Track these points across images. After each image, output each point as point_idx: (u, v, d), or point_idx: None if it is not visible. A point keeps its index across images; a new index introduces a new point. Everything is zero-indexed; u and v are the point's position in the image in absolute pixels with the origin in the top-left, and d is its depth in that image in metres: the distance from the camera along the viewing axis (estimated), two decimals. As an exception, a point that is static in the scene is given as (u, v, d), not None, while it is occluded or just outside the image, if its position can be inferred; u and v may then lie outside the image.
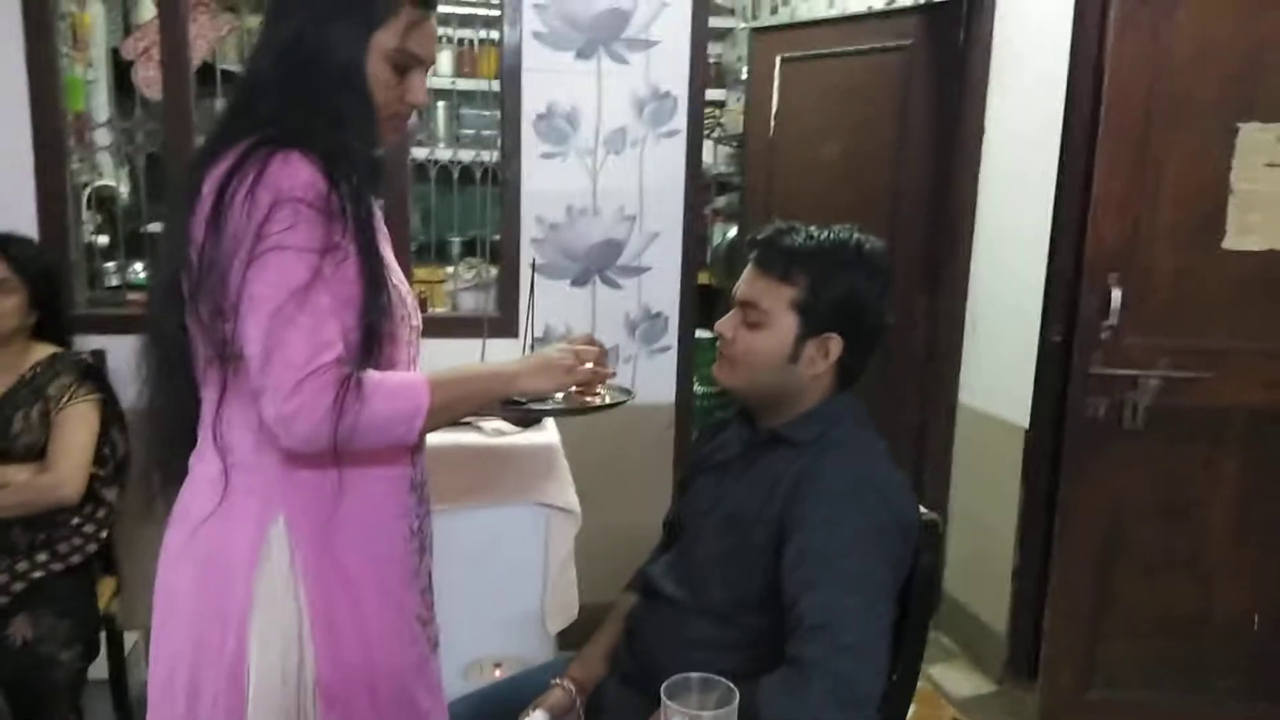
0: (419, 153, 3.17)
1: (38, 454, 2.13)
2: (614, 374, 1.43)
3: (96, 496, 2.21)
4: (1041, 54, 2.75)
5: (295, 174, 1.12)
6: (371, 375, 1.15)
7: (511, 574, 2.36)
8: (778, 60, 3.54)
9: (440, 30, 3.61)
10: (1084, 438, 2.40)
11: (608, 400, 1.51)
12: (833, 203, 3.43)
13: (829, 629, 1.20)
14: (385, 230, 1.32)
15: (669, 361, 2.97)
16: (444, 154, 3.07)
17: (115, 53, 3.09)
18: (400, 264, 1.34)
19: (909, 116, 3.26)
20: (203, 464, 1.24)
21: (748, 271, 1.45)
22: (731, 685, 1.03)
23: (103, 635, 2.25)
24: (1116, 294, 2.30)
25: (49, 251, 2.31)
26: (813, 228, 1.43)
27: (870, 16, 3.44)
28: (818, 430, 1.41)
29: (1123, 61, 2.28)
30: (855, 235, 1.44)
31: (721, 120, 4.77)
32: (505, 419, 1.58)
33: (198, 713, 1.21)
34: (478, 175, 2.99)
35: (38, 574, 2.07)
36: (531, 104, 2.80)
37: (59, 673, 2.00)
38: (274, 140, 1.14)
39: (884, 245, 1.46)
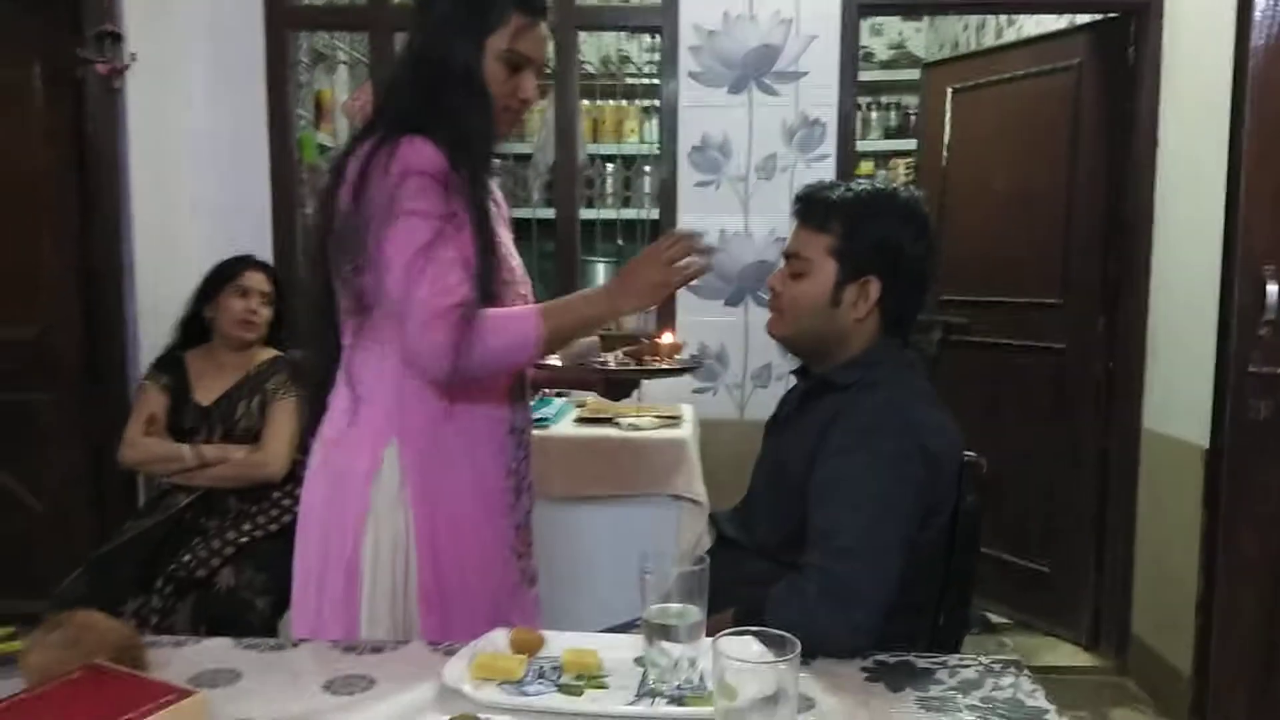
0: (586, 213, 3.45)
1: (254, 438, 2.53)
2: (710, 253, 1.46)
3: (296, 477, 2.56)
4: (1210, 61, 2.65)
5: (420, 153, 1.35)
6: (485, 312, 1.35)
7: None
8: (949, 92, 3.57)
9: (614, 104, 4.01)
10: (1247, 442, 2.23)
11: (672, 365, 1.68)
12: (1003, 228, 3.39)
13: (829, 536, 1.27)
14: (505, 213, 1.56)
15: (822, 379, 3.03)
16: (609, 213, 3.39)
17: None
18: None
19: (1080, 135, 3.19)
20: (337, 397, 1.48)
21: (794, 228, 1.55)
22: (705, 555, 1.13)
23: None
24: (1273, 288, 2.16)
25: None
26: (851, 183, 1.52)
27: (1036, 40, 3.41)
28: (860, 373, 1.47)
29: (1268, 47, 2.18)
30: (891, 185, 1.52)
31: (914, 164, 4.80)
32: (597, 390, 1.77)
33: (323, 608, 1.44)
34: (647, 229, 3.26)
35: (244, 539, 2.44)
36: (687, 138, 3.02)
37: (253, 616, 2.34)
38: (406, 129, 1.38)
39: (921, 194, 1.52)
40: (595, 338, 1.62)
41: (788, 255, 1.53)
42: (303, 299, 1.57)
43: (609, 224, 3.40)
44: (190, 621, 2.35)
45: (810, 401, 1.53)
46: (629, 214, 3.43)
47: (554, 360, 1.57)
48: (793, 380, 1.66)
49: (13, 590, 2.65)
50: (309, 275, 1.53)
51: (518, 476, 1.55)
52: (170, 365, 2.56)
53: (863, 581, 1.23)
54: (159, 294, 2.93)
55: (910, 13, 4.56)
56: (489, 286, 1.40)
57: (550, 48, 1.53)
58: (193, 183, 3.06)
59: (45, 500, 2.91)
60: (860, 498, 1.30)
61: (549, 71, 2.85)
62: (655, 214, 3.20)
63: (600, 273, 4.34)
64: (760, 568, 1.49)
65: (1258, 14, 2.25)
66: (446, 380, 1.36)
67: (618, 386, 1.72)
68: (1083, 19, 3.26)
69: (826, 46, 2.97)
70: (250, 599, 2.35)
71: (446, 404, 1.44)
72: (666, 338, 1.66)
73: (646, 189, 3.52)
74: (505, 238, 1.53)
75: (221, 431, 2.52)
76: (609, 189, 4.21)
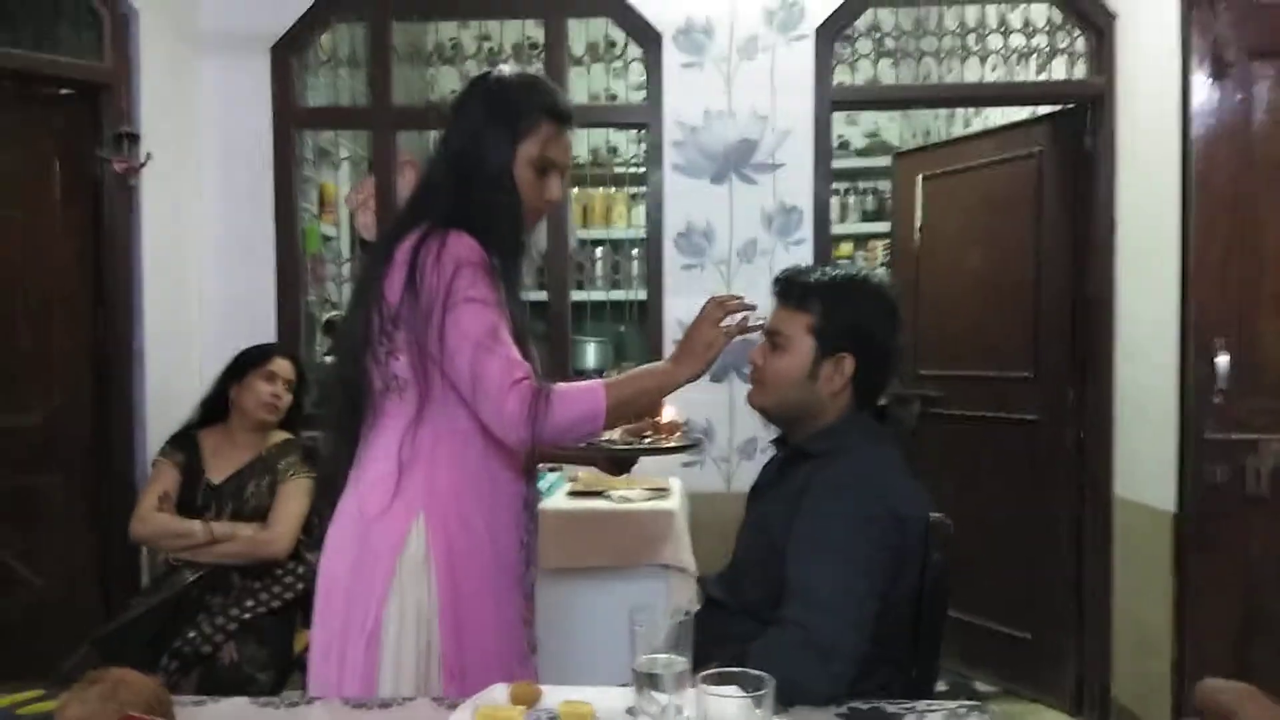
0: (577, 295, 3.62)
1: (261, 516, 2.62)
2: (755, 308, 1.58)
3: (300, 556, 2.65)
4: (1159, 146, 2.84)
5: (468, 245, 1.48)
6: (557, 387, 1.46)
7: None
8: (919, 179, 3.77)
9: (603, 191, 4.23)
10: (1207, 505, 2.35)
11: (676, 443, 1.79)
12: (976, 305, 3.55)
13: (806, 592, 1.38)
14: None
15: (805, 452, 3.15)
16: (607, 295, 3.59)
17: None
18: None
19: (1044, 218, 3.38)
20: (372, 473, 1.55)
21: (774, 307, 1.69)
22: (689, 611, 1.24)
23: (296, 683, 2.66)
24: (1223, 359, 2.31)
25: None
26: (826, 267, 1.67)
27: (1000, 130, 3.62)
28: (833, 442, 1.59)
29: (1207, 135, 2.37)
30: (863, 270, 1.66)
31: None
32: (599, 466, 1.89)
33: (343, 678, 1.51)
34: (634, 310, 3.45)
35: (248, 615, 2.51)
36: (672, 224, 3.20)
37: (255, 690, 2.40)
38: (446, 223, 1.51)
39: (889, 280, 1.66)
40: None
41: (768, 332, 1.66)
42: (335, 377, 1.66)
43: (599, 305, 3.57)
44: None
45: (789, 469, 1.65)
46: (618, 295, 3.62)
47: None
48: (773, 449, 1.78)
49: (18, 670, 2.68)
50: (341, 355, 1.63)
51: (529, 549, 1.64)
52: (185, 443, 2.67)
53: (838, 634, 1.34)
54: (167, 380, 3.06)
55: (879, 108, 4.77)
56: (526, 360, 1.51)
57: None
58: (201, 273, 3.22)
59: (51, 581, 2.97)
60: (834, 556, 1.41)
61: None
62: (643, 295, 3.36)
63: (590, 352, 4.48)
64: (745, 627, 1.58)
65: (1196, 106, 2.45)
66: (525, 448, 1.47)
67: (621, 463, 1.83)
68: (1043, 110, 3.47)
69: (801, 140, 3.17)
70: (253, 674, 2.43)
71: (471, 479, 1.53)
72: (667, 413, 1.76)
73: (635, 271, 3.71)
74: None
75: (231, 509, 2.61)
76: (599, 272, 4.39)
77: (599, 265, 4.46)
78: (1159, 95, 2.81)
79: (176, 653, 2.40)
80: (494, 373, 1.43)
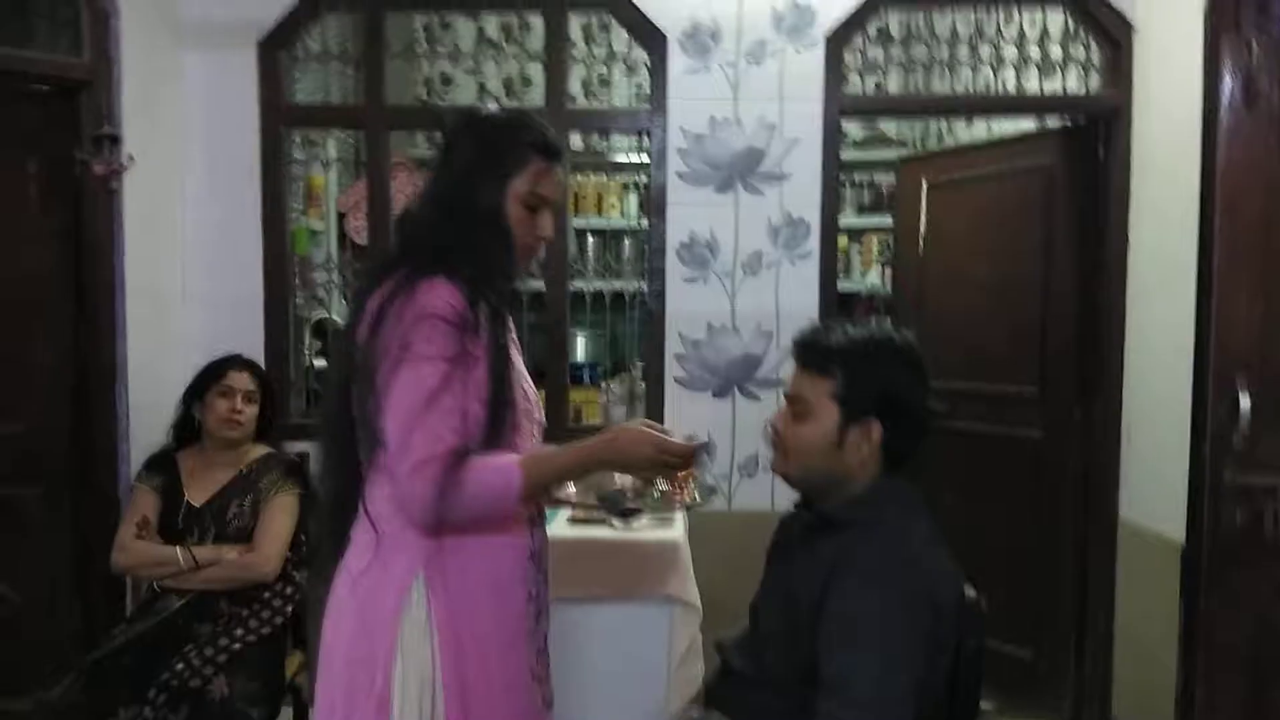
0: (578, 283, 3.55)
1: (246, 537, 2.53)
2: (697, 473, 1.58)
3: (288, 576, 2.57)
4: (1178, 166, 2.77)
5: (438, 296, 1.42)
6: (472, 459, 1.40)
7: (636, 666, 2.50)
8: (924, 185, 3.69)
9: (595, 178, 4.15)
10: (1225, 551, 2.29)
11: (691, 500, 1.71)
12: (981, 318, 3.48)
13: (843, 685, 1.31)
14: (516, 341, 1.62)
15: (807, 471, 3.08)
16: (598, 284, 3.52)
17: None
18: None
19: (1054, 233, 3.30)
20: (361, 530, 1.52)
21: (794, 371, 1.61)
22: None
23: (289, 703, 2.59)
24: (1245, 398, 2.24)
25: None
26: (847, 325, 1.58)
27: (1009, 142, 3.53)
28: (862, 512, 1.52)
29: (1235, 162, 2.29)
30: (886, 330, 1.58)
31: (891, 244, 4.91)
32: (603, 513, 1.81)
33: None
34: (628, 301, 3.35)
35: (237, 645, 2.42)
36: (675, 234, 3.10)
37: (247, 726, 2.33)
38: (427, 268, 1.45)
39: (913, 337, 1.58)
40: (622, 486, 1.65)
41: (789, 398, 1.58)
42: (324, 427, 1.61)
43: (585, 295, 3.54)
44: (185, 734, 2.33)
45: (815, 536, 1.58)
46: (605, 285, 3.60)
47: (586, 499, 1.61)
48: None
49: (-5, 689, 2.63)
50: (331, 404, 1.58)
51: (538, 601, 1.59)
52: (162, 466, 2.58)
53: (877, 733, 1.27)
54: (152, 390, 2.94)
55: (889, 116, 4.57)
56: (504, 414, 1.46)
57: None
58: (186, 278, 3.10)
59: (30, 598, 2.87)
60: (873, 645, 1.34)
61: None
62: (634, 285, 3.28)
63: (580, 343, 4.38)
64: (768, 699, 1.53)
65: (1223, 132, 2.35)
66: (432, 528, 1.42)
67: (625, 513, 1.76)
68: (1053, 122, 3.38)
69: (809, 149, 3.08)
70: (245, 709, 2.35)
71: (469, 534, 1.47)
72: (677, 436, 1.59)
73: (625, 257, 3.69)
74: (518, 361, 1.59)
75: (214, 532, 2.52)
76: (590, 261, 4.33)
77: (589, 255, 4.39)
78: (1179, 115, 2.73)
79: (165, 686, 2.31)
80: (413, 444, 1.38)
